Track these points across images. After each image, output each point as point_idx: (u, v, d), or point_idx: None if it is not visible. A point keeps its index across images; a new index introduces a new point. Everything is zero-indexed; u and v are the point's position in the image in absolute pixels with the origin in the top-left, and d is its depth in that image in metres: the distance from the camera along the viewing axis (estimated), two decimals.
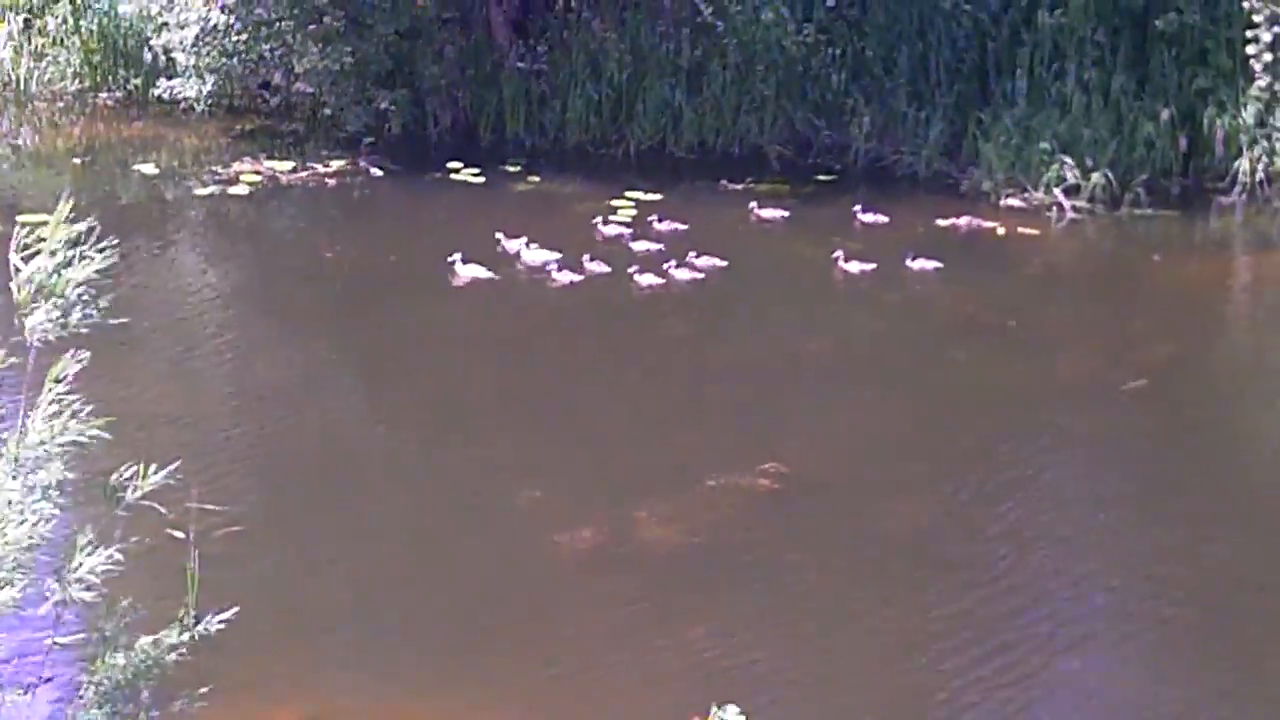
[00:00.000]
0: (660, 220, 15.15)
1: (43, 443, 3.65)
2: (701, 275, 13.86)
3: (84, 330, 3.87)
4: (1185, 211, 16.19)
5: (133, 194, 16.62)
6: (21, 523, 3.70)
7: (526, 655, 8.34)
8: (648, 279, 13.67)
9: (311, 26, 17.94)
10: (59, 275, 3.73)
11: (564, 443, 10.94)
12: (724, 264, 13.99)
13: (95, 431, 3.80)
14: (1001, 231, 15.27)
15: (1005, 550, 9.42)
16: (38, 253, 3.85)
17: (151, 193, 16.70)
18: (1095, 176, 16.10)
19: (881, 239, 14.86)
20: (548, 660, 8.28)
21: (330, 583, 9.03)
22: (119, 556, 3.98)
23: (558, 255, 14.02)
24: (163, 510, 4.71)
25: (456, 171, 16.92)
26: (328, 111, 18.31)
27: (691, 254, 14.01)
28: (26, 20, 20.50)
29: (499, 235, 14.30)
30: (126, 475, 4.29)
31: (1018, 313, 13.29)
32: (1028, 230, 15.37)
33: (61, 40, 20.27)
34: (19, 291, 3.82)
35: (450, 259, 13.85)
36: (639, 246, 14.55)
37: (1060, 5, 17.56)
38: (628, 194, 16.14)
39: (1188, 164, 16.83)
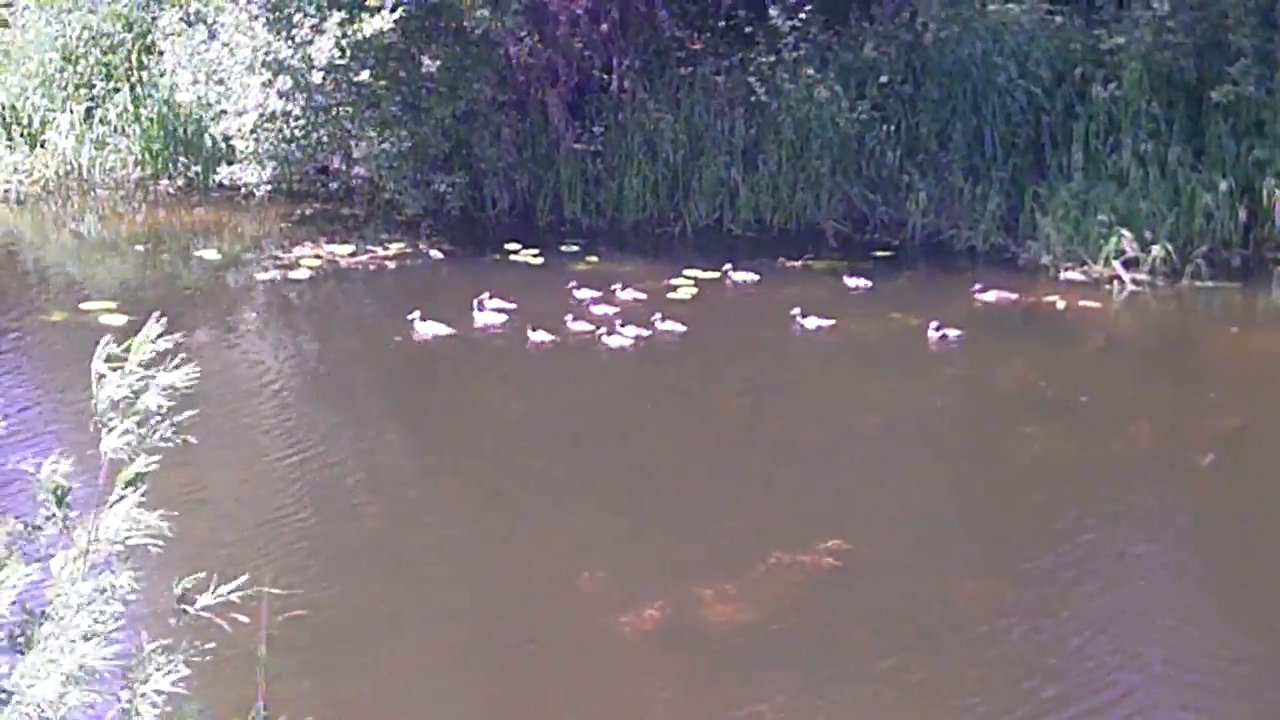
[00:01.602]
0: (624, 288, 15.47)
1: (114, 543, 3.66)
2: (674, 336, 14.45)
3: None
4: (1247, 282, 16.12)
5: (195, 280, 16.74)
6: (91, 624, 3.70)
7: None
8: (616, 340, 14.17)
9: (369, 111, 18.09)
10: (138, 397, 3.74)
11: (622, 519, 10.92)
12: (684, 329, 14.52)
13: (163, 533, 3.81)
14: (1061, 305, 15.25)
15: (1074, 632, 9.31)
16: (119, 367, 3.88)
17: (214, 278, 16.81)
18: (1155, 249, 16.05)
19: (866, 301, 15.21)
20: None
21: (395, 666, 9.00)
22: (186, 671, 3.97)
23: (504, 317, 14.76)
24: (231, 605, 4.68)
25: (515, 253, 17.00)
26: (386, 195, 18.44)
27: (656, 317, 14.54)
28: (89, 109, 20.75)
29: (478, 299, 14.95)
30: (193, 585, 4.29)
31: (1082, 386, 13.20)
32: (1088, 303, 15.34)
33: (122, 129, 20.51)
34: (98, 406, 3.85)
35: (409, 316, 14.43)
36: (599, 310, 14.97)
37: (1114, 79, 17.56)
38: (685, 272, 16.19)
39: (1247, 235, 16.78)
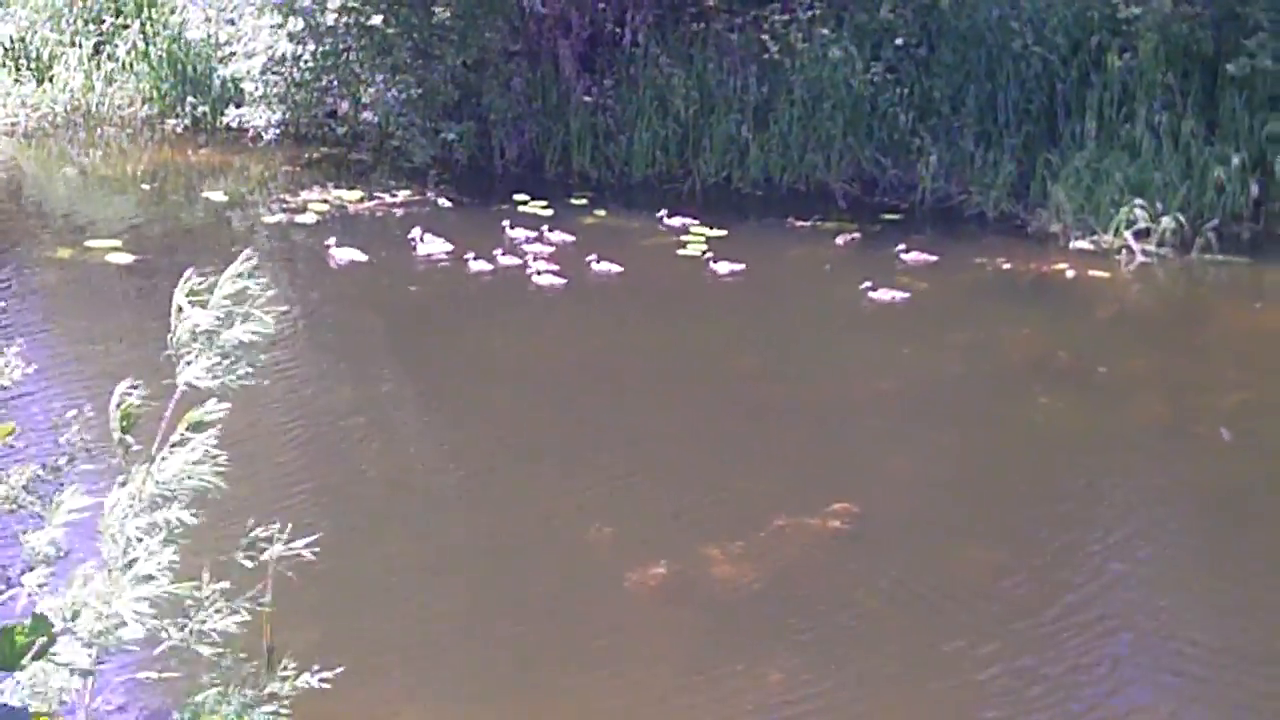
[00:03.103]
0: (551, 230, 15.89)
1: (169, 483, 3.64)
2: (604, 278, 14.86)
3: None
4: (1256, 257, 16.04)
5: (201, 221, 16.65)
6: (144, 562, 3.69)
7: (595, 694, 8.29)
8: (547, 279, 14.59)
9: (379, 57, 18.00)
10: (221, 330, 3.72)
11: (629, 474, 10.89)
12: (620, 269, 14.89)
13: (217, 479, 3.79)
14: (1071, 274, 15.20)
15: (1078, 599, 9.31)
16: (201, 301, 3.86)
17: (220, 220, 16.73)
18: (1165, 220, 15.99)
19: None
20: (617, 700, 8.23)
21: (397, 617, 8.99)
22: (247, 615, 3.97)
23: (450, 247, 15.30)
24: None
25: (524, 204, 16.93)
26: (394, 142, 18.36)
27: (591, 258, 14.98)
28: (97, 44, 20.64)
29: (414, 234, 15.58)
30: (259, 532, 4.32)
31: (1095, 357, 13.19)
32: (1098, 273, 15.29)
33: (131, 66, 20.39)
34: (177, 337, 3.84)
35: (326, 243, 15.22)
36: (533, 248, 15.42)
37: (1130, 48, 17.48)
38: (694, 229, 16.14)
39: (1258, 209, 16.70)
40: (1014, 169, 17.25)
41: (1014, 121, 17.72)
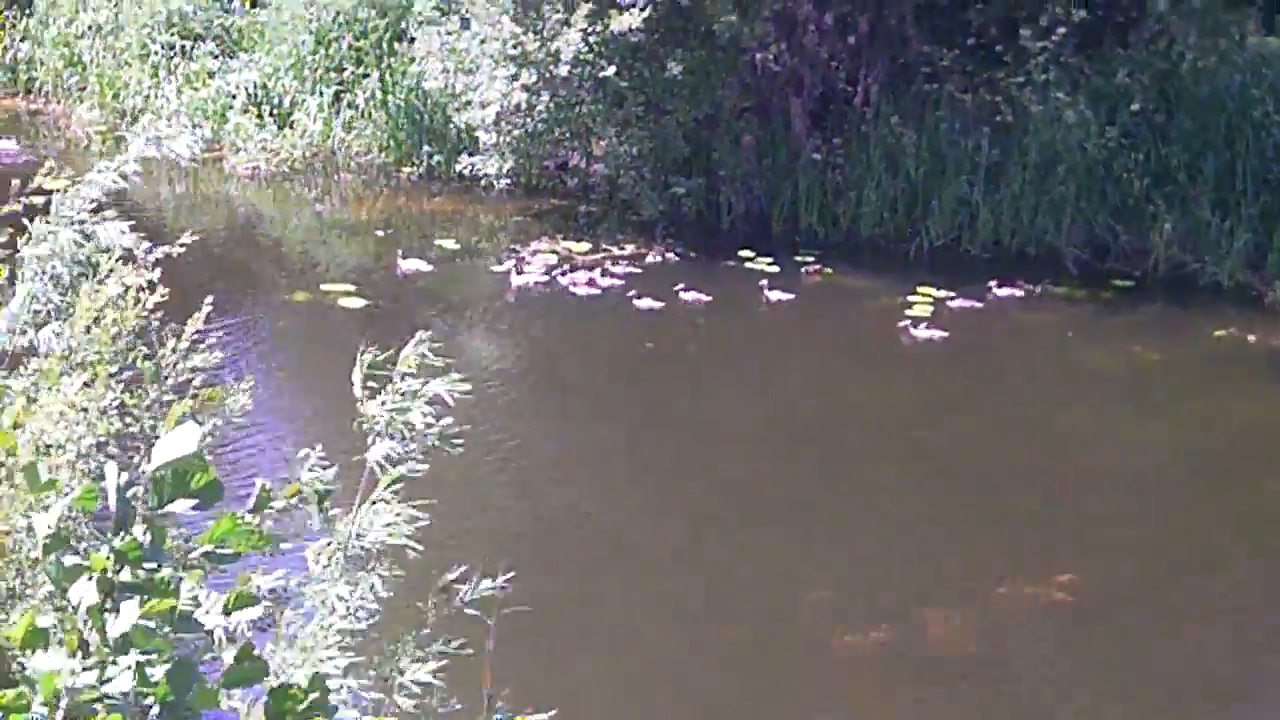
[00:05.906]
0: (615, 263, 16.62)
1: (373, 541, 3.70)
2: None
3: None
4: None
5: (432, 268, 16.80)
6: (346, 618, 3.75)
7: None
8: (645, 302, 15.45)
9: (612, 110, 18.17)
10: (405, 411, 3.77)
11: (845, 533, 10.82)
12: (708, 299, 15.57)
13: (411, 539, 3.84)
14: None
15: None
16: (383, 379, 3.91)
17: (450, 268, 16.92)
18: None
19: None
20: None
21: (606, 670, 9.03)
22: (443, 664, 4.01)
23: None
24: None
25: (750, 260, 16.92)
26: (623, 195, 18.48)
27: (679, 287, 15.76)
28: (337, 92, 21.10)
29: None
30: (454, 576, 4.34)
31: None
32: None
33: (369, 114, 20.80)
34: (363, 420, 3.88)
35: (398, 254, 16.46)
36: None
37: None
38: (920, 289, 16.02)
39: None
40: (1251, 239, 16.85)
41: (1252, 190, 17.33)
